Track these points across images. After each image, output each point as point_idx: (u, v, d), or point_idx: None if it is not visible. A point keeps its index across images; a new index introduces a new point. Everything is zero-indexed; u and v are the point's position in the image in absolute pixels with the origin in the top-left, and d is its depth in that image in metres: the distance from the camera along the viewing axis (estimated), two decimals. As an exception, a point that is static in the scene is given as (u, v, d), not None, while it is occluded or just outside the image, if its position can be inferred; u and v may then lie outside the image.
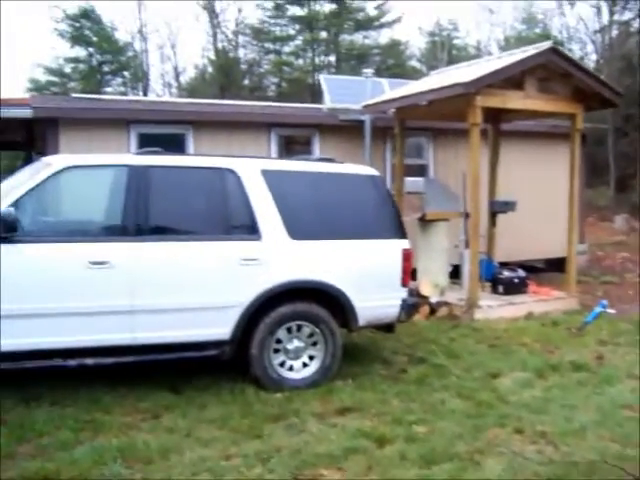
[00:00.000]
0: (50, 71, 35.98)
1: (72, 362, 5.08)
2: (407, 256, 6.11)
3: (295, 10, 36.72)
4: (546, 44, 8.57)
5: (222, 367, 5.83)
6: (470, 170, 8.59)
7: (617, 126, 27.39)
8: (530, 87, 8.72)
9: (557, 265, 13.32)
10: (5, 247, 4.85)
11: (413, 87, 9.84)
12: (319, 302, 5.77)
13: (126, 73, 36.91)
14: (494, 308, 8.78)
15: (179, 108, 10.52)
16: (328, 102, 11.52)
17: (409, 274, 6.19)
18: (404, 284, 6.13)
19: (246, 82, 36.93)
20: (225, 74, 33.48)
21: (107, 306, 5.14)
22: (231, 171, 5.65)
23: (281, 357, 5.73)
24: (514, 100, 8.65)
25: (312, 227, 5.79)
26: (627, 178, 28.71)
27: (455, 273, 9.96)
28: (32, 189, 5.10)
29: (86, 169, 5.43)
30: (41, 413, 4.91)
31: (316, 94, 32.70)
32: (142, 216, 5.30)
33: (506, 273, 9.50)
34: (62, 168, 5.21)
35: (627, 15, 33.79)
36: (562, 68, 8.71)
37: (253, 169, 5.72)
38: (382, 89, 11.86)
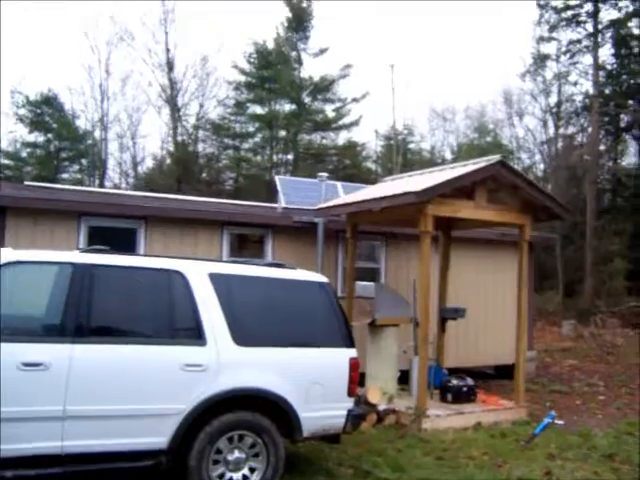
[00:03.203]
0: (6, 155, 35.81)
1: (-9, 473, 4.74)
2: (354, 365, 6.00)
3: (256, 109, 37.78)
4: (495, 157, 8.87)
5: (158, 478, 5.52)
6: (420, 277, 8.65)
7: (564, 233, 28.34)
8: (480, 198, 8.96)
9: (506, 371, 13.34)
10: None
11: (367, 193, 10.01)
12: (262, 411, 5.58)
13: (84, 161, 36.95)
14: (442, 417, 8.64)
15: (132, 202, 10.45)
16: (282, 202, 11.65)
17: (356, 384, 6.06)
18: (350, 394, 5.99)
19: (204, 175, 37.31)
20: (183, 167, 33.77)
21: (37, 411, 4.85)
22: (178, 273, 5.55)
23: (221, 468, 5.45)
24: (464, 210, 8.85)
25: (258, 333, 5.67)
26: (574, 283, 29.47)
27: (403, 378, 9.86)
28: (-30, 284, 4.90)
29: (29, 265, 5.25)
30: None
31: (273, 191, 33.06)
32: (83, 316, 5.11)
33: (455, 382, 9.42)
34: (5, 263, 5.04)
35: (570, 129, 35.83)
36: (511, 181, 9.00)
37: (200, 272, 5.63)
38: (336, 191, 12.09)
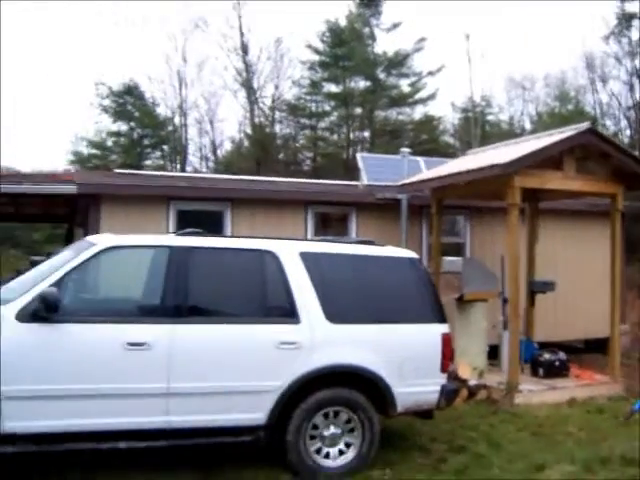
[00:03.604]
0: (92, 144, 37.14)
1: (105, 445, 5.00)
2: (447, 341, 5.98)
3: (330, 87, 37.66)
4: (584, 125, 8.57)
5: (257, 453, 5.69)
6: (509, 250, 8.50)
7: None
8: (569, 167, 8.69)
9: (597, 345, 12.98)
10: (45, 327, 4.87)
11: (450, 167, 9.87)
12: (357, 387, 5.64)
13: (165, 147, 37.89)
14: (535, 393, 8.51)
15: (218, 185, 10.70)
16: (365, 180, 11.63)
17: (449, 359, 6.04)
18: (444, 370, 5.98)
19: (281, 156, 37.63)
20: (261, 148, 34.13)
21: (143, 389, 5.08)
22: (270, 253, 5.65)
23: (317, 444, 5.57)
24: (553, 180, 8.61)
25: (350, 311, 5.71)
26: (665, 254, 28.16)
27: (492, 353, 9.74)
28: (74, 268, 5.14)
29: (129, 249, 5.48)
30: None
31: (350, 169, 33.09)
32: (181, 298, 5.29)
33: (547, 355, 9.24)
34: (105, 248, 5.27)
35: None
36: (601, 149, 8.68)
37: (292, 251, 5.71)
38: (418, 167, 11.97)
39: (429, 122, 38.52)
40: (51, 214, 15.02)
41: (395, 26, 37.48)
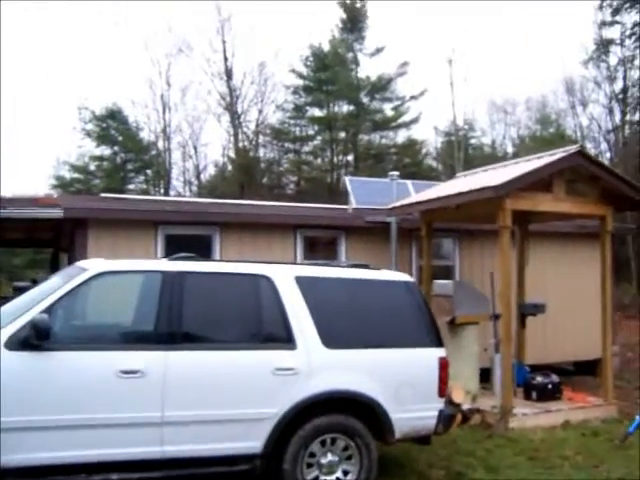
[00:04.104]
0: (75, 168, 36.96)
1: (97, 477, 4.83)
2: (444, 365, 5.91)
3: (314, 111, 37.88)
4: (574, 147, 8.62)
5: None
6: (501, 274, 8.47)
7: (636, 224, 27.36)
8: (558, 189, 8.72)
9: (586, 367, 12.98)
10: (35, 355, 4.74)
11: (440, 190, 9.88)
12: (354, 414, 5.54)
13: (149, 171, 37.80)
14: (529, 416, 8.44)
15: (206, 209, 10.61)
16: (353, 203, 11.61)
17: (446, 384, 5.97)
18: (441, 394, 5.91)
19: (265, 180, 37.64)
20: (245, 172, 34.14)
21: (136, 418, 4.95)
22: (265, 277, 5.57)
23: (314, 472, 5.44)
24: (543, 203, 8.63)
25: (347, 335, 5.63)
26: (648, 275, 28.43)
27: (483, 377, 9.67)
28: (66, 294, 5.02)
29: (121, 275, 5.38)
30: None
31: (334, 193, 33.19)
32: (175, 324, 5.18)
33: (539, 378, 9.19)
34: (97, 273, 5.16)
35: (638, 116, 34.57)
36: (590, 171, 8.73)
37: (287, 275, 5.63)
38: (407, 190, 11.98)
39: (412, 146, 38.84)
40: (35, 239, 14.81)
41: (378, 51, 37.96)
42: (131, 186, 36.72)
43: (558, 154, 8.68)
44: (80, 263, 5.72)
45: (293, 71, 37.12)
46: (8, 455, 4.60)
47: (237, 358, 5.29)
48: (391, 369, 5.69)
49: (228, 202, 12.64)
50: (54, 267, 14.57)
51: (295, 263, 6.88)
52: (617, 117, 34.64)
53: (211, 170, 39.93)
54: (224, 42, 35.96)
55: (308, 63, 37.48)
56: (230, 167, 37.61)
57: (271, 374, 5.28)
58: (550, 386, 9.14)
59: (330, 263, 6.26)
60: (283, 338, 5.44)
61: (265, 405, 5.24)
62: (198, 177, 38.50)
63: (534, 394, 9.09)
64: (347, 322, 5.69)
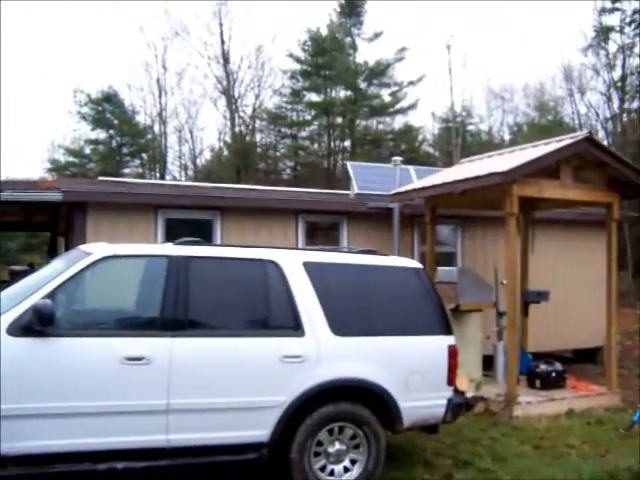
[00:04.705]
0: (70, 152, 36.66)
1: (102, 466, 4.73)
2: (453, 353, 5.82)
3: (312, 96, 37.61)
4: (582, 134, 8.50)
5: (258, 472, 5.45)
6: (507, 261, 8.37)
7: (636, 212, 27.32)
8: (565, 176, 8.60)
9: (586, 355, 12.95)
10: (38, 341, 4.61)
11: (444, 176, 9.73)
12: (362, 402, 5.44)
13: (144, 155, 37.52)
14: (534, 404, 8.37)
15: (207, 193, 10.46)
16: (355, 189, 11.47)
17: (455, 372, 5.87)
18: (450, 383, 5.82)
19: (261, 165, 37.42)
20: (242, 157, 33.92)
21: (141, 405, 4.83)
22: (273, 263, 5.44)
23: (322, 461, 5.34)
24: (550, 189, 8.51)
25: (355, 322, 5.51)
26: (644, 263, 28.43)
27: (485, 364, 9.60)
28: (69, 279, 4.89)
29: (126, 259, 5.23)
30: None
31: (331, 178, 33.04)
32: (181, 309, 5.05)
33: (543, 367, 9.11)
34: (102, 257, 5.02)
35: (636, 104, 34.45)
36: (598, 158, 8.61)
37: (295, 261, 5.50)
38: (409, 176, 11.83)
39: (409, 132, 38.64)
40: (31, 222, 14.64)
41: (376, 36, 37.67)
42: (127, 170, 36.51)
43: (565, 140, 8.55)
44: (83, 247, 5.57)
45: (291, 55, 36.86)
46: (9, 443, 4.49)
47: (244, 345, 5.17)
48: (400, 357, 5.59)
49: (230, 186, 12.49)
50: (52, 251, 14.42)
51: (304, 248, 6.72)
52: (615, 105, 34.51)
53: (207, 155, 39.74)
54: (221, 25, 35.67)
55: (306, 47, 37.19)
56: (226, 152, 37.38)
57: (279, 361, 5.16)
58: (554, 374, 9.07)
59: (338, 248, 6.13)
60: (291, 325, 5.32)
61: (272, 393, 5.13)
62: (194, 162, 38.31)
63: (538, 382, 9.01)
64: (356, 309, 5.56)
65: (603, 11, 33.21)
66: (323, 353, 5.30)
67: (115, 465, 4.75)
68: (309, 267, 5.50)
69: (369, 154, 34.82)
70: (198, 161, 38.74)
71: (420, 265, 6.14)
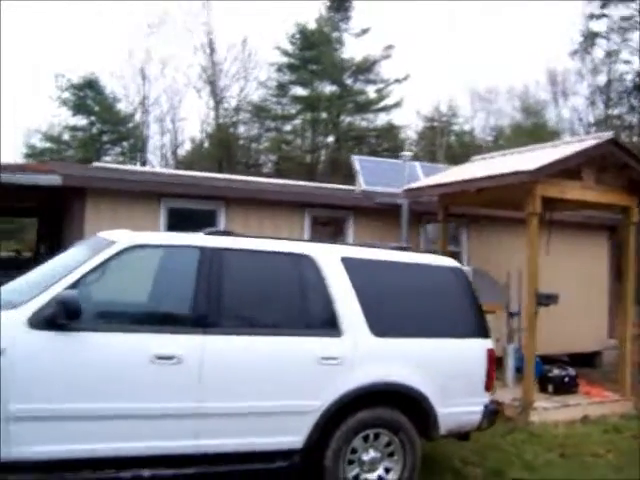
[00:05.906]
0: (48, 138, 35.74)
1: (126, 474, 4.34)
2: (491, 357, 5.54)
3: (297, 90, 37.18)
4: (606, 135, 8.29)
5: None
6: (529, 263, 8.13)
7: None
8: (587, 178, 8.38)
9: (583, 360, 12.80)
10: (61, 336, 4.21)
11: (458, 173, 9.47)
12: (399, 407, 5.13)
13: (125, 143, 36.74)
14: (549, 410, 8.15)
15: (212, 183, 10.06)
16: (362, 184, 11.16)
17: (493, 377, 5.59)
18: (487, 388, 5.53)
19: (243, 158, 36.87)
20: (224, 148, 33.37)
21: (170, 408, 4.46)
22: (309, 257, 5.09)
23: (355, 469, 5.02)
24: (572, 190, 8.29)
25: (394, 323, 5.19)
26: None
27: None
28: (93, 269, 4.48)
29: (154, 249, 4.84)
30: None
31: (314, 173, 32.63)
32: (214, 305, 4.68)
33: (556, 371, 8.91)
34: (129, 246, 4.62)
35: (619, 110, 34.73)
36: (621, 160, 8.40)
37: (333, 256, 5.16)
38: (416, 173, 11.55)
39: (393, 130, 38.39)
40: (16, 208, 14.03)
41: (364, 32, 37.41)
42: (107, 158, 35.60)
43: (588, 141, 8.35)
44: (103, 234, 5.13)
45: (278, 48, 36.37)
46: (31, 447, 4.10)
47: (279, 345, 4.81)
48: (439, 360, 5.29)
49: (235, 177, 12.08)
50: (41, 238, 13.87)
51: (342, 243, 6.39)
52: (600, 110, 34.71)
53: (187, 146, 39.08)
54: (208, 14, 35.08)
55: (293, 41, 36.73)
56: (207, 143, 36.78)
57: (316, 363, 4.82)
58: (567, 379, 8.87)
59: (374, 244, 5.78)
60: (328, 324, 4.99)
61: (309, 397, 4.79)
62: (175, 152, 37.61)
63: (550, 387, 8.81)
64: (395, 308, 5.24)
65: (591, 16, 33.38)
66: (361, 355, 4.98)
67: (141, 472, 4.37)
68: (348, 263, 5.16)
69: (352, 150, 34.48)
70: (179, 151, 38.10)
71: (457, 264, 5.84)
